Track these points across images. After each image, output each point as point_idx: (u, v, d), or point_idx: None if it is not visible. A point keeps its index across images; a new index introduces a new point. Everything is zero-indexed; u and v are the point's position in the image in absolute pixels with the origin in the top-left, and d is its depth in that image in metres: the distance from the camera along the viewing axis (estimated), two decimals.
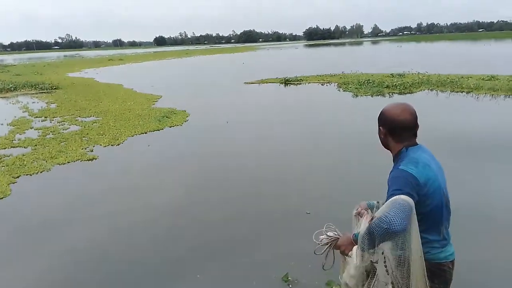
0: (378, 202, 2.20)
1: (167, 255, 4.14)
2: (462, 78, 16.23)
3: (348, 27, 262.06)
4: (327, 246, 2.08)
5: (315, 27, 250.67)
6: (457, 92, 13.84)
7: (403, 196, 1.72)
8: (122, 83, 21.61)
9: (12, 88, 20.36)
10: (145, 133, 9.69)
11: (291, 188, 5.79)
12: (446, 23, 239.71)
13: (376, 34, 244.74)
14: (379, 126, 2.06)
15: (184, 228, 4.76)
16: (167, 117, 11.20)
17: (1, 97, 18.22)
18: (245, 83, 20.07)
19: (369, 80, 17.00)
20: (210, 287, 3.61)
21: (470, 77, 16.32)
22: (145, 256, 4.14)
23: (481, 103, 11.76)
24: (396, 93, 14.24)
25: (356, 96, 14.09)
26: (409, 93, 14.15)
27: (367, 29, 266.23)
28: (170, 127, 10.23)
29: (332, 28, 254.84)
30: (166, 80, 24.06)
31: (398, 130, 1.96)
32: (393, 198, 1.74)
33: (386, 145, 2.08)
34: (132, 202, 5.55)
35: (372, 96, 13.87)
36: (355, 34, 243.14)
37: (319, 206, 5.05)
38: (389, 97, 13.59)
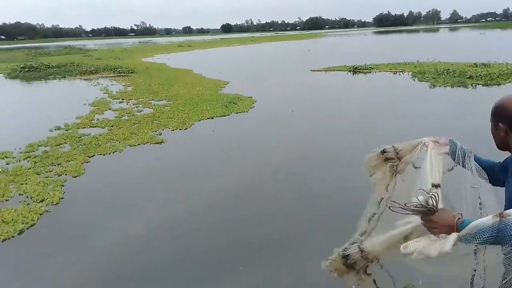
0: (461, 147, 1.83)
1: (230, 244, 4.16)
2: None
3: (423, 13, 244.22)
4: (413, 213, 1.53)
5: (386, 13, 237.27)
6: None
7: None
8: (191, 69, 22.32)
9: (93, 71, 22.06)
10: (212, 118, 9.86)
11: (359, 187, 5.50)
12: None
13: (455, 20, 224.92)
14: (496, 123, 1.69)
15: (243, 220, 4.75)
16: (233, 103, 11.31)
17: (84, 79, 19.83)
18: (311, 70, 19.64)
19: (448, 69, 15.63)
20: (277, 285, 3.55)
21: None
22: (195, 245, 4.20)
23: None
24: (481, 84, 12.93)
25: (434, 86, 13.05)
26: (496, 84, 12.76)
27: (444, 15, 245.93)
28: (237, 113, 10.31)
29: (405, 14, 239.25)
30: (232, 66, 24.42)
31: None
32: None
33: (504, 145, 1.72)
34: (192, 189, 5.63)
35: (452, 87, 12.75)
36: (430, 20, 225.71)
37: None
38: (472, 89, 12.41)
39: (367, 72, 18.11)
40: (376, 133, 7.84)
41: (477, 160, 1.83)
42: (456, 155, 1.82)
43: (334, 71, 19.13)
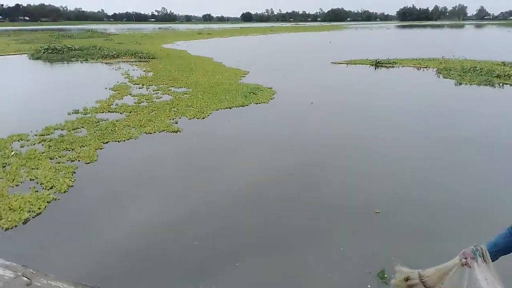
0: (477, 249, 2.21)
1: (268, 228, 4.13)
2: None
3: (449, 8, 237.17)
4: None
5: (411, 6, 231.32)
6: None
7: None
8: (211, 57, 22.28)
9: (115, 55, 22.26)
10: (230, 108, 9.74)
11: (384, 180, 5.40)
12: None
13: (482, 17, 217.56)
14: None
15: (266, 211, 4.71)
16: (253, 94, 11.23)
17: (106, 62, 20.02)
18: (332, 63, 19.34)
19: (475, 67, 15.17)
20: (300, 272, 3.51)
21: None
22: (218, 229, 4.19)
23: None
24: (509, 84, 12.50)
25: (460, 84, 12.68)
26: None
27: (471, 11, 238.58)
28: (256, 103, 10.22)
29: (430, 9, 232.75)
30: (252, 56, 24.24)
31: None
32: None
33: None
34: (205, 181, 5.50)
35: (478, 85, 12.37)
36: (456, 16, 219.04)
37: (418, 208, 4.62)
38: (500, 88, 12.00)
39: (389, 66, 17.72)
40: (396, 128, 7.68)
41: (493, 245, 2.17)
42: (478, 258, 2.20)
43: (355, 64, 18.79)
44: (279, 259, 3.67)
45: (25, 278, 2.31)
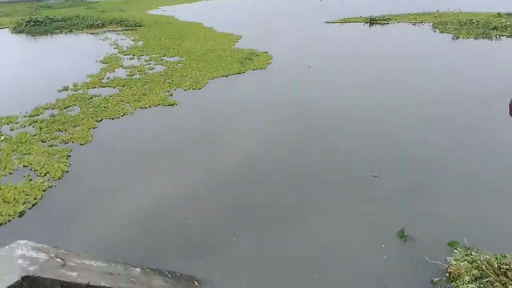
0: None
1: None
2: None
3: None
4: None
5: None
6: None
7: None
8: (201, 22, 21.55)
9: (100, 25, 21.40)
10: (226, 76, 9.53)
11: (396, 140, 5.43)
12: None
13: None
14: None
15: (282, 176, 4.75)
16: (249, 59, 10.99)
17: (91, 33, 19.31)
18: (325, 22, 18.83)
19: (471, 20, 14.91)
20: (326, 230, 3.60)
21: None
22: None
23: None
24: (506, 35, 12.36)
25: (457, 38, 12.51)
26: None
27: None
28: (254, 70, 10.03)
29: None
30: (242, 18, 23.49)
31: None
32: None
33: None
34: (204, 158, 5.40)
35: (475, 38, 12.22)
36: None
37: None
38: (497, 40, 11.87)
39: (384, 23, 17.33)
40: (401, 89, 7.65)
41: None
42: None
43: (349, 22, 18.31)
44: (289, 226, 3.75)
45: (59, 259, 2.34)
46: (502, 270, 3.02)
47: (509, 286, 2.85)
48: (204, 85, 8.85)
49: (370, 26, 17.13)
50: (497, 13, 16.24)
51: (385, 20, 17.77)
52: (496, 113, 6.12)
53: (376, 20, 17.71)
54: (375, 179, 4.41)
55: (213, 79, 9.33)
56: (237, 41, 14.47)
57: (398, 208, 3.89)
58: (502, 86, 7.48)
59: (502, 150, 5.00)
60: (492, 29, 13.12)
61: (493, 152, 4.97)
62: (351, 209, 3.94)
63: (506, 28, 13.01)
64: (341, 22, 18.56)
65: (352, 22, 18.39)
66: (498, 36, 12.34)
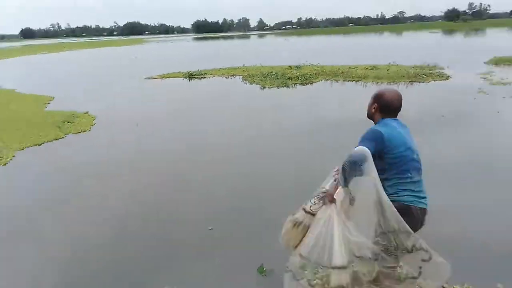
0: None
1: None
2: (350, 68, 18.04)
3: (235, 21, 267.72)
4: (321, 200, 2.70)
5: (204, 20, 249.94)
6: (349, 81, 15.38)
7: (360, 147, 2.35)
8: None
9: None
10: (40, 144, 8.10)
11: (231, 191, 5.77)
12: (322, 18, 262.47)
13: (262, 28, 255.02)
14: (374, 102, 2.60)
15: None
16: (69, 122, 9.93)
17: None
18: (146, 78, 19.07)
19: (271, 72, 17.75)
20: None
21: (356, 68, 18.25)
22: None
23: (368, 89, 13.32)
24: (299, 84, 15.18)
25: (264, 88, 14.60)
26: (310, 83, 15.23)
27: (253, 23, 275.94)
28: (76, 133, 9.03)
29: (220, 21, 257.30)
30: (49, 77, 21.37)
31: (387, 110, 2.56)
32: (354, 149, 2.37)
33: (371, 117, 2.65)
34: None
35: (278, 87, 14.54)
36: (242, 27, 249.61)
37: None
38: (294, 88, 14.43)
39: (202, 77, 18.77)
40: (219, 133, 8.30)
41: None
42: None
43: (170, 78, 19.09)
44: None
45: None
46: None
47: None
48: (10, 159, 7.20)
49: (189, 80, 18.26)
50: (289, 66, 19.88)
51: (202, 74, 19.28)
52: (300, 145, 7.33)
53: (194, 75, 19.03)
54: (211, 232, 4.41)
55: (22, 149, 7.77)
56: (49, 103, 12.98)
57: (249, 251, 4.05)
58: (303, 123, 9.06)
59: None
60: (288, 79, 15.94)
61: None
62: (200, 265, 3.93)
63: (298, 78, 16.03)
64: (161, 78, 19.14)
65: (172, 77, 19.23)
66: (293, 85, 15.04)
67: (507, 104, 9.94)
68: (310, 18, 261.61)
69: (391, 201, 2.35)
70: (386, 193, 2.36)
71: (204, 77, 18.83)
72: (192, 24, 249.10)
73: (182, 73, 19.70)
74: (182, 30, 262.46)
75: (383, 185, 2.37)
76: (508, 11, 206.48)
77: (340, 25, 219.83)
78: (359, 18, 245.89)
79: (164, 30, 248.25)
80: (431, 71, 15.93)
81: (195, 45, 68.41)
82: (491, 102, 10.26)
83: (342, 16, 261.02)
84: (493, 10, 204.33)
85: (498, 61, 18.24)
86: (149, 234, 4.46)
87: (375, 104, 2.59)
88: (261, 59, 24.74)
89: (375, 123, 2.59)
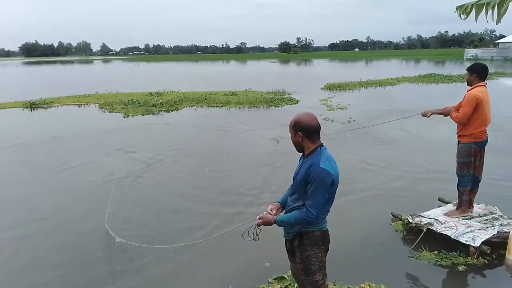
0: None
1: None
2: (211, 94, 18.74)
3: (74, 44, 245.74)
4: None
5: (34, 42, 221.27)
6: (213, 107, 15.89)
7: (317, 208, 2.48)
8: None
9: None
10: None
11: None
12: (171, 45, 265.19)
13: (106, 52, 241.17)
14: (295, 132, 2.54)
15: None
16: None
17: None
18: None
19: (132, 99, 16.94)
20: None
21: (217, 94, 19.07)
22: None
23: (237, 113, 14.05)
24: (164, 111, 14.90)
25: (127, 116, 13.77)
26: (176, 110, 15.13)
27: (95, 47, 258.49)
28: None
29: (55, 45, 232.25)
30: None
31: (312, 133, 2.52)
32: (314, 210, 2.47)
33: (300, 147, 2.59)
34: None
35: (142, 115, 13.93)
36: (83, 51, 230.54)
37: None
38: (161, 115, 14.07)
39: (47, 107, 16.50)
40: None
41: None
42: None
43: (5, 108, 16.12)
44: None
45: None
46: None
47: None
48: None
49: (31, 110, 15.82)
50: (149, 93, 19.33)
51: (47, 104, 16.95)
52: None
53: (37, 104, 16.59)
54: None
55: None
56: None
57: None
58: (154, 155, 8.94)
59: None
60: (152, 106, 15.46)
61: None
62: None
63: (162, 105, 15.71)
64: None
65: (8, 107, 16.31)
66: (159, 112, 14.66)
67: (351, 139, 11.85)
68: (158, 45, 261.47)
69: (315, 230, 2.59)
70: (308, 224, 2.57)
71: (51, 107, 16.62)
72: (20, 47, 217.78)
73: (21, 102, 16.94)
74: (7, 54, 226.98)
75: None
76: (327, 45, 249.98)
77: (189, 53, 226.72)
78: (206, 46, 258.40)
79: None
80: (282, 97, 17.83)
81: (28, 70, 59.91)
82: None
83: (190, 44, 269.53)
84: (316, 44, 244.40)
85: (330, 87, 21.72)
86: None
87: (299, 133, 2.52)
88: (115, 85, 23.33)
89: (309, 152, 2.55)
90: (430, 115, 4.65)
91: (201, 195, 6.13)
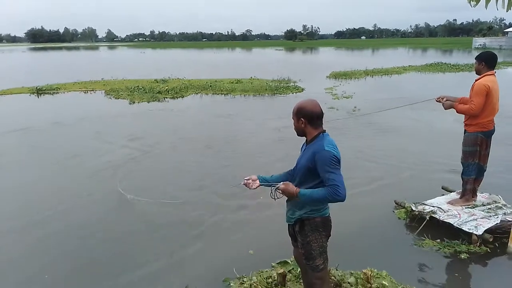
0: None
1: None
2: (216, 82, 18.69)
3: (79, 30, 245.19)
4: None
5: (40, 28, 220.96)
6: (218, 94, 15.88)
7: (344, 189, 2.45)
8: None
9: None
10: None
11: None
12: (176, 32, 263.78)
13: (112, 39, 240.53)
14: (298, 118, 2.57)
15: None
16: None
17: None
18: None
19: (138, 86, 16.95)
20: None
21: (222, 81, 19.01)
22: None
23: (244, 101, 14.05)
24: (170, 98, 14.91)
25: (133, 102, 13.82)
26: (181, 97, 15.14)
27: (101, 34, 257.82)
28: None
29: (61, 31, 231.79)
30: None
31: (315, 119, 2.54)
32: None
33: (303, 133, 2.62)
34: None
35: (148, 102, 13.96)
36: (88, 38, 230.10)
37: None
38: (166, 102, 14.09)
39: (54, 93, 16.59)
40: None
41: (275, 179, 2.82)
42: (264, 182, 2.83)
43: (12, 94, 16.23)
44: None
45: None
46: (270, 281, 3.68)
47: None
48: None
49: (38, 96, 15.92)
50: (155, 80, 19.32)
51: (53, 89, 17.03)
52: None
53: (44, 90, 16.67)
54: None
55: None
56: None
57: None
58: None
59: None
60: (158, 93, 15.47)
61: None
62: None
63: (168, 91, 15.73)
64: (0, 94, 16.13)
65: (15, 93, 16.42)
66: (164, 98, 14.68)
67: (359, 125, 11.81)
68: (164, 32, 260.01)
69: (316, 217, 2.61)
70: (309, 210, 2.60)
71: (57, 93, 16.71)
72: (26, 33, 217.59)
73: (28, 88, 17.03)
74: (13, 39, 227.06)
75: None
76: (333, 33, 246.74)
77: (194, 40, 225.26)
78: (211, 34, 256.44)
79: None
80: (287, 85, 17.74)
81: (34, 56, 60.01)
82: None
83: (195, 31, 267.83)
84: (322, 31, 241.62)
85: (336, 75, 21.58)
86: None
87: (302, 119, 2.55)
88: (121, 72, 23.33)
89: (311, 138, 2.58)
90: (446, 100, 4.48)
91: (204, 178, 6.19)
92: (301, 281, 3.32)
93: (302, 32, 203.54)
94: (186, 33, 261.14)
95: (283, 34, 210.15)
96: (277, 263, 3.76)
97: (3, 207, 5.36)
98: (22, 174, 6.65)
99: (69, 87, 17.86)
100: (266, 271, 3.68)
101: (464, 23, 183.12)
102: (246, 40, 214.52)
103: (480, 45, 53.75)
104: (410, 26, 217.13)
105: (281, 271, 3.45)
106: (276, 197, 2.70)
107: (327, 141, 2.51)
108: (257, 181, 2.83)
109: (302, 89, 16.63)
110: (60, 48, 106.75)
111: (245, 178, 2.84)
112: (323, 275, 2.76)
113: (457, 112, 4.41)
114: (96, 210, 5.21)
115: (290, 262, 3.72)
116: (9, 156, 7.72)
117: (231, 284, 3.54)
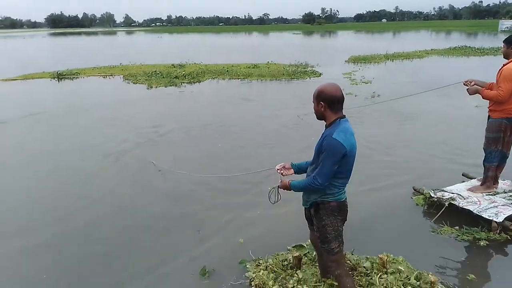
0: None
1: None
2: (233, 67, 18.61)
3: (98, 15, 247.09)
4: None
5: (59, 13, 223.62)
6: (234, 79, 15.83)
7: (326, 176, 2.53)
8: None
9: None
10: None
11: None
12: (193, 17, 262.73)
13: (129, 24, 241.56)
14: (318, 102, 2.57)
15: None
16: None
17: None
18: (1, 80, 16.17)
19: (155, 71, 17.06)
20: None
21: (239, 66, 18.91)
22: None
23: (260, 86, 13.99)
24: (187, 82, 14.97)
25: (151, 87, 13.94)
26: (198, 82, 15.17)
27: (118, 19, 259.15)
28: None
29: (80, 16, 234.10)
30: None
31: (335, 103, 2.53)
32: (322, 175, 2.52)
33: (322, 117, 2.62)
34: None
35: (166, 86, 14.07)
36: (106, 23, 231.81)
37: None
38: (183, 87, 14.16)
39: (74, 78, 16.88)
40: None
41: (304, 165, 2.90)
42: (299, 170, 2.94)
43: (33, 79, 16.60)
44: None
45: None
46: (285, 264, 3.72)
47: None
48: None
49: (59, 81, 16.23)
50: (172, 65, 19.38)
51: (73, 74, 17.33)
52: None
53: (64, 75, 16.98)
54: None
55: None
56: None
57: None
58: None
59: None
60: (175, 78, 15.54)
61: None
62: None
63: (185, 76, 15.78)
64: (22, 79, 16.52)
65: (37, 78, 16.79)
66: (182, 83, 14.75)
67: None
68: (181, 16, 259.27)
69: (331, 201, 2.63)
70: (324, 194, 2.62)
71: (77, 77, 16.99)
72: (46, 18, 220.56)
73: (49, 73, 17.36)
74: (33, 25, 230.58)
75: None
76: (352, 16, 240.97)
77: (211, 24, 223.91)
78: (228, 18, 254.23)
79: (11, 24, 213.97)
80: (305, 69, 17.52)
81: (54, 42, 60.92)
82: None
83: (212, 15, 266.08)
84: (341, 15, 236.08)
85: (355, 60, 21.15)
86: None
87: (321, 103, 2.54)
88: (138, 57, 23.49)
89: (329, 123, 2.57)
90: (473, 84, 4.30)
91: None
92: (317, 264, 3.35)
93: (320, 15, 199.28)
94: (203, 17, 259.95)
95: (301, 17, 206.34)
96: (292, 247, 3.80)
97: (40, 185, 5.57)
98: (50, 157, 6.87)
99: (89, 72, 18.13)
100: (282, 254, 3.72)
101: (491, 4, 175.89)
102: (263, 24, 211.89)
103: (507, 27, 51.47)
104: (434, 8, 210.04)
105: (296, 254, 3.48)
106: (275, 200, 2.89)
107: (340, 128, 2.48)
108: (291, 170, 2.92)
109: (320, 74, 16.39)
110: (79, 33, 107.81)
111: (277, 168, 2.90)
112: (338, 258, 2.78)
113: (483, 98, 4.27)
114: (122, 182, 5.53)
115: (305, 245, 3.75)
116: (44, 135, 7.97)
117: (247, 266, 3.60)
